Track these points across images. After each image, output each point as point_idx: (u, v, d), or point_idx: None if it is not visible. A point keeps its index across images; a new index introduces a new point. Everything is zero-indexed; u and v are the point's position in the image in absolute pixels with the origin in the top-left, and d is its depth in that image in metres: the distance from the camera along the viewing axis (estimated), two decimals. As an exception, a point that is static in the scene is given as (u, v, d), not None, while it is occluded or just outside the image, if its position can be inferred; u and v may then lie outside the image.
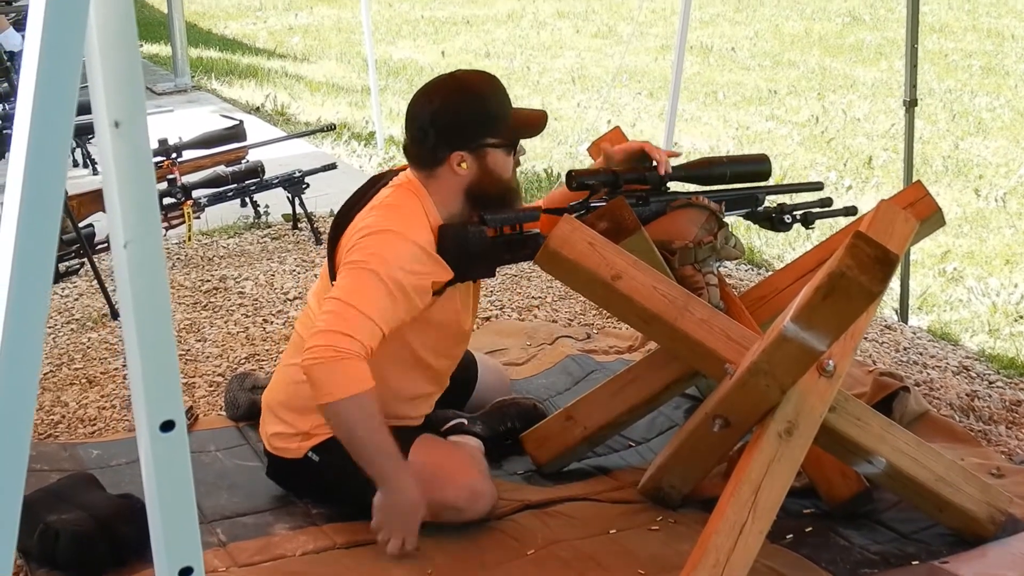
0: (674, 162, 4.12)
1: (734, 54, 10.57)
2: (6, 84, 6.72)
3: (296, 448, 3.84)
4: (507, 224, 3.79)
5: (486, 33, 12.26)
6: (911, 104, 5.33)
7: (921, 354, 5.00)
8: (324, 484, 3.89)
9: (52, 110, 1.41)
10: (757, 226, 4.27)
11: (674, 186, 4.06)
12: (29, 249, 1.40)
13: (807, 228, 4.25)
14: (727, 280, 4.28)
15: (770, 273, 4.91)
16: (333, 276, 3.75)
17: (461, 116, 3.75)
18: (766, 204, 4.19)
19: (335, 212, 4.02)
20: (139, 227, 1.49)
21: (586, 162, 4.59)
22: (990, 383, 4.75)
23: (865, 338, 4.90)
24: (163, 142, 6.35)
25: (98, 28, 1.46)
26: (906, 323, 5.31)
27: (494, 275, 3.89)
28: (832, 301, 3.30)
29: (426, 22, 12.96)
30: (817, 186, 4.35)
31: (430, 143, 3.76)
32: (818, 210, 4.23)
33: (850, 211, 4.36)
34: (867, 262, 3.23)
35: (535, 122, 3.88)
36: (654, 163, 3.99)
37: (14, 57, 7.65)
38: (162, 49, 9.97)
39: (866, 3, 12.76)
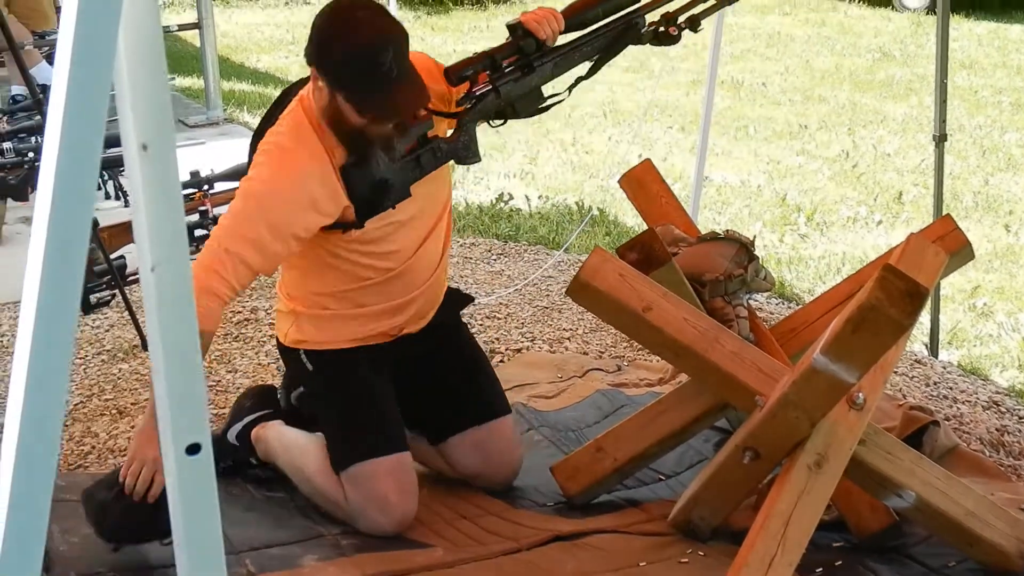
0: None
1: (765, 89, 10.56)
2: (38, 116, 6.75)
3: (287, 331, 3.98)
4: (405, 143, 3.64)
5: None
6: (941, 139, 5.31)
7: (951, 388, 4.97)
8: (315, 397, 4.00)
9: (80, 139, 1.41)
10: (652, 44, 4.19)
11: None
12: (57, 278, 1.40)
13: (695, 32, 4.13)
14: (757, 313, 4.27)
15: (800, 306, 4.88)
16: None
17: (323, 48, 3.57)
18: (647, 24, 4.10)
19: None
20: (167, 250, 1.48)
21: (619, 196, 4.57)
22: (1020, 418, 4.72)
23: (895, 372, 4.87)
24: (195, 174, 6.35)
25: (127, 54, 1.45)
26: (936, 357, 5.28)
27: (410, 194, 3.68)
28: (862, 334, 3.28)
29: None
30: None
31: (308, 48, 3.62)
32: (701, 8, 4.16)
33: (725, 1, 4.32)
34: (897, 295, 3.21)
35: (386, 108, 3.55)
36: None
37: (46, 90, 7.68)
38: (195, 82, 10.01)
39: (896, 39, 12.74)
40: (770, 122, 9.44)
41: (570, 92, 4.05)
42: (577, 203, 7.29)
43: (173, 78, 10.63)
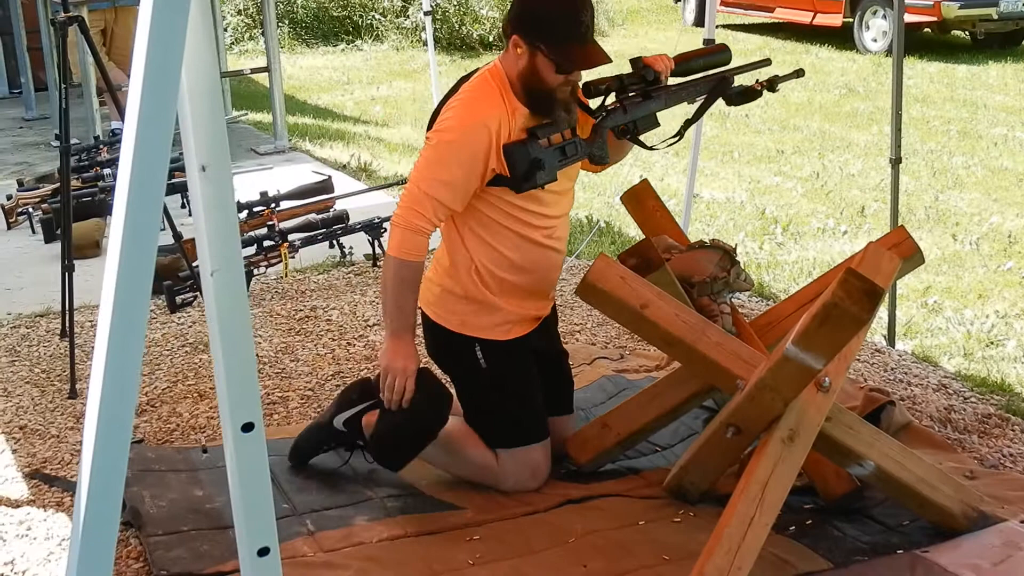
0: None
1: (747, 120, 10.55)
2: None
3: (458, 323, 3.98)
4: (553, 134, 3.80)
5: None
6: (897, 162, 5.30)
7: (906, 373, 4.96)
8: (475, 380, 4.03)
9: (149, 163, 1.41)
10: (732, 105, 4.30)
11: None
12: (131, 275, 1.41)
13: (772, 92, 4.23)
14: (739, 309, 4.26)
15: (776, 303, 4.87)
16: None
17: (528, 12, 3.76)
18: (736, 83, 4.20)
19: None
20: (224, 257, 1.49)
21: (622, 210, 4.58)
22: (965, 399, 4.70)
23: (857, 359, 4.86)
24: (264, 194, 6.38)
25: (188, 90, 1.46)
26: (893, 347, 5.27)
27: (556, 178, 3.82)
28: (827, 327, 3.28)
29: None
30: (766, 62, 4.37)
31: (506, 20, 3.86)
32: (777, 77, 4.25)
33: (799, 73, 4.44)
34: (857, 294, 3.21)
35: (582, 60, 3.74)
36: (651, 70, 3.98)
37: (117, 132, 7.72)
38: (264, 117, 10.03)
39: (859, 77, 12.72)
40: (752, 148, 9.43)
41: (681, 136, 4.21)
42: (587, 217, 7.29)
43: (246, 113, 10.66)
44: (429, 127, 3.95)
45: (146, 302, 1.50)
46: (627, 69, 4.06)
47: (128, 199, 1.40)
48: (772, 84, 4.20)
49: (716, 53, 4.16)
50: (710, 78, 4.15)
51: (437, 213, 3.76)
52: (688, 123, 4.22)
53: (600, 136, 3.95)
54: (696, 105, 4.28)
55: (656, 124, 4.07)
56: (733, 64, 4.18)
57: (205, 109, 1.47)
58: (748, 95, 4.19)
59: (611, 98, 3.97)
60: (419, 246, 3.77)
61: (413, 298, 3.86)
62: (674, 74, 4.05)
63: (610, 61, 3.75)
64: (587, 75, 3.86)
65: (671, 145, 4.17)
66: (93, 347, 4.43)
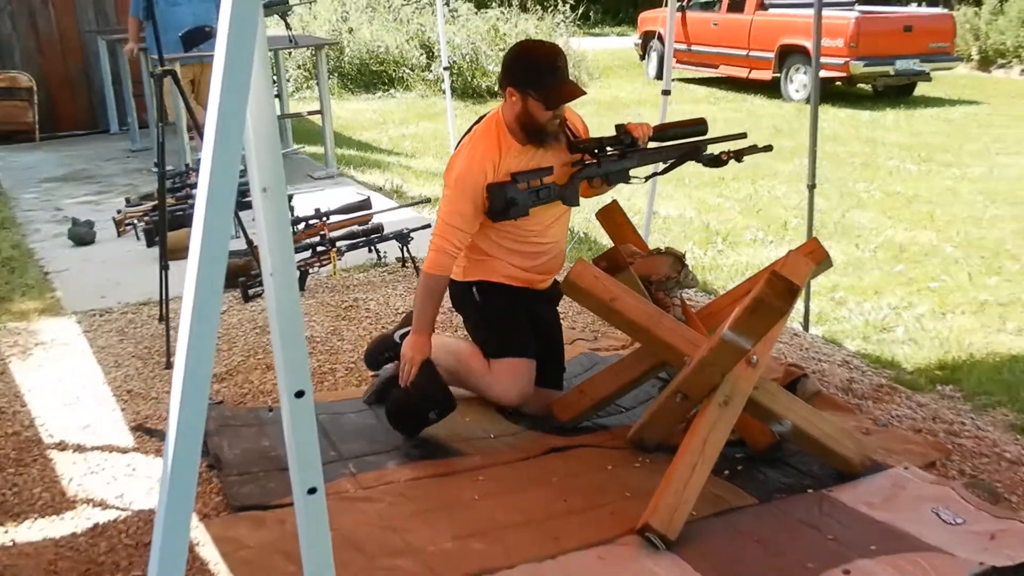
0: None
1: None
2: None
3: (460, 272, 4.17)
4: (532, 179, 3.91)
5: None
6: (812, 187, 5.32)
7: (817, 352, 4.99)
8: (475, 311, 4.25)
9: (221, 184, 1.43)
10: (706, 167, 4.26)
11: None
12: (207, 271, 1.43)
13: (739, 162, 4.21)
14: (687, 302, 4.29)
15: (716, 297, 4.89)
16: None
17: (516, 68, 3.89)
18: (707, 151, 4.20)
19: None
20: (280, 262, 1.51)
21: (596, 224, 4.60)
22: (863, 372, 4.73)
23: (779, 341, 4.89)
24: (317, 210, 6.40)
25: (252, 126, 1.48)
26: (807, 331, 5.30)
27: (527, 214, 3.94)
28: (756, 316, 3.32)
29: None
30: (742, 135, 4.28)
31: (502, 76, 3.96)
32: (742, 149, 4.19)
33: (767, 148, 4.37)
34: (780, 291, 3.25)
35: (566, 94, 3.84)
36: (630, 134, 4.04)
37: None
38: (318, 149, 10.04)
39: (785, 120, 12.73)
40: (699, 175, 9.44)
41: (646, 180, 4.29)
42: (569, 229, 7.29)
43: (304, 147, 10.67)
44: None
45: (218, 293, 1.52)
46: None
47: (205, 213, 1.42)
48: (739, 156, 4.17)
49: (693, 125, 4.13)
50: (684, 145, 4.15)
51: (458, 237, 3.94)
52: (655, 175, 4.29)
53: (573, 184, 4.02)
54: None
55: (627, 179, 4.10)
56: (709, 136, 4.15)
57: (265, 143, 1.49)
58: (716, 163, 4.17)
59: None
60: (445, 264, 3.97)
61: (435, 306, 4.02)
62: (653, 139, 4.08)
63: (584, 93, 3.93)
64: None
65: (635, 182, 4.20)
66: (179, 326, 4.45)
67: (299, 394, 1.61)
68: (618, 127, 4.04)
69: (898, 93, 14.73)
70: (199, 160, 6.19)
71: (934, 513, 3.38)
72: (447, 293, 4.16)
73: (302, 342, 1.61)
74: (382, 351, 4.36)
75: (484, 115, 4.16)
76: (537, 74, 3.82)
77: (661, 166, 4.25)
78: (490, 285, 4.16)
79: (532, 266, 4.17)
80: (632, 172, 4.11)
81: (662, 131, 4.10)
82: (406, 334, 4.17)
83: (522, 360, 4.13)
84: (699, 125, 4.13)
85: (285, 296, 1.53)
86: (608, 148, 4.03)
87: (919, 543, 3.21)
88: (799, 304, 5.15)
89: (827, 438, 3.65)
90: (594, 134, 4.15)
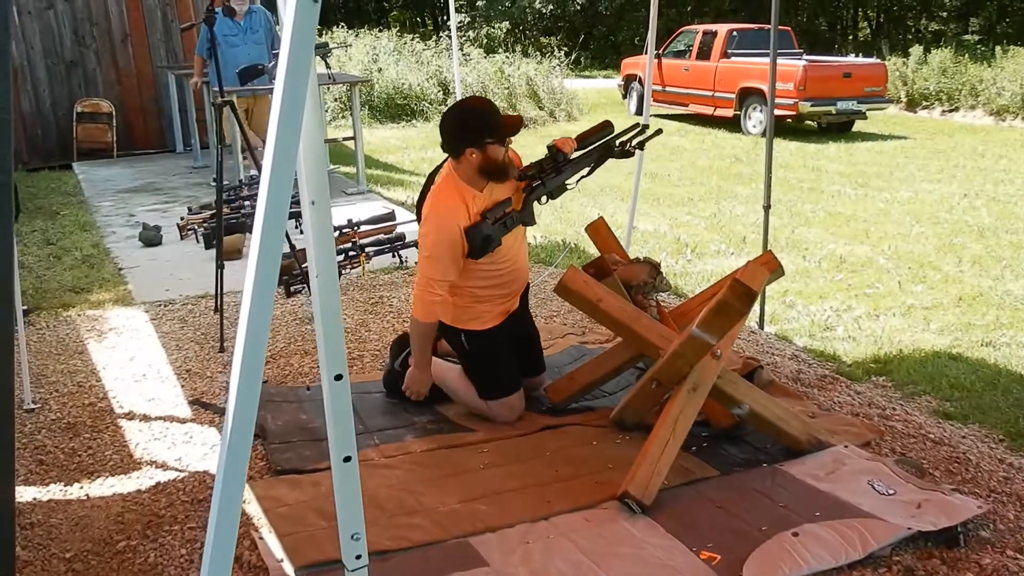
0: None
1: (669, 178, 10.53)
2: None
3: (451, 317, 3.98)
4: (498, 214, 3.79)
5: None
6: (767, 208, 5.29)
7: (771, 347, 4.95)
8: (466, 358, 4.04)
9: (277, 197, 1.41)
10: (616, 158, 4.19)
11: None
12: (263, 278, 1.41)
13: (640, 151, 4.24)
14: (662, 303, 4.25)
15: (685, 300, 4.85)
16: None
17: (469, 127, 3.72)
18: (617, 146, 4.14)
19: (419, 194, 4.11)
20: (325, 264, 1.49)
21: (585, 236, 4.56)
22: (809, 365, 4.69)
23: (739, 338, 4.86)
24: (350, 221, 6.37)
25: (304, 149, 1.45)
26: (763, 329, 5.26)
27: (500, 244, 3.83)
28: (720, 317, 3.29)
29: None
30: (637, 127, 4.22)
31: (453, 144, 3.75)
32: (642, 139, 4.19)
33: (658, 132, 4.33)
34: (740, 295, 3.22)
35: (515, 125, 3.75)
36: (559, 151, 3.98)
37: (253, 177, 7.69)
38: (351, 170, 10.01)
39: (744, 151, 12.71)
40: (672, 196, 9.42)
41: (577, 183, 4.13)
42: (562, 240, 7.27)
43: (339, 167, 10.64)
44: (417, 210, 4.01)
45: (272, 289, 1.50)
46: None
47: (263, 220, 1.40)
48: (640, 145, 4.19)
49: (603, 129, 4.06)
50: (600, 146, 4.07)
51: (442, 286, 3.81)
52: (583, 176, 4.10)
53: (528, 207, 3.95)
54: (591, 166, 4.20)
55: (567, 189, 4.05)
56: (615, 133, 4.10)
57: (313, 163, 1.47)
58: (625, 155, 4.15)
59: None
60: (433, 312, 3.85)
61: (430, 345, 3.96)
62: (581, 148, 4.04)
63: (522, 119, 3.87)
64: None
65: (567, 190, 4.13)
66: (237, 319, 4.43)
67: (338, 377, 1.60)
68: (549, 147, 3.98)
69: (839, 129, 14.70)
70: (251, 176, 6.21)
71: (870, 485, 3.34)
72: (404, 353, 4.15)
73: (341, 333, 1.58)
74: (396, 382, 4.20)
75: (433, 176, 4.00)
76: (486, 122, 3.70)
77: (587, 170, 4.13)
78: (478, 334, 3.99)
79: (508, 292, 4.01)
80: (567, 182, 4.05)
81: (583, 139, 4.03)
82: (404, 362, 4.13)
83: (511, 397, 3.97)
84: (607, 128, 4.07)
85: (328, 293, 1.51)
86: (547, 168, 3.96)
87: (857, 510, 3.17)
88: (756, 306, 5.10)
89: (779, 420, 3.61)
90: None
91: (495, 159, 3.72)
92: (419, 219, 3.95)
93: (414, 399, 4.07)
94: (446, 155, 3.85)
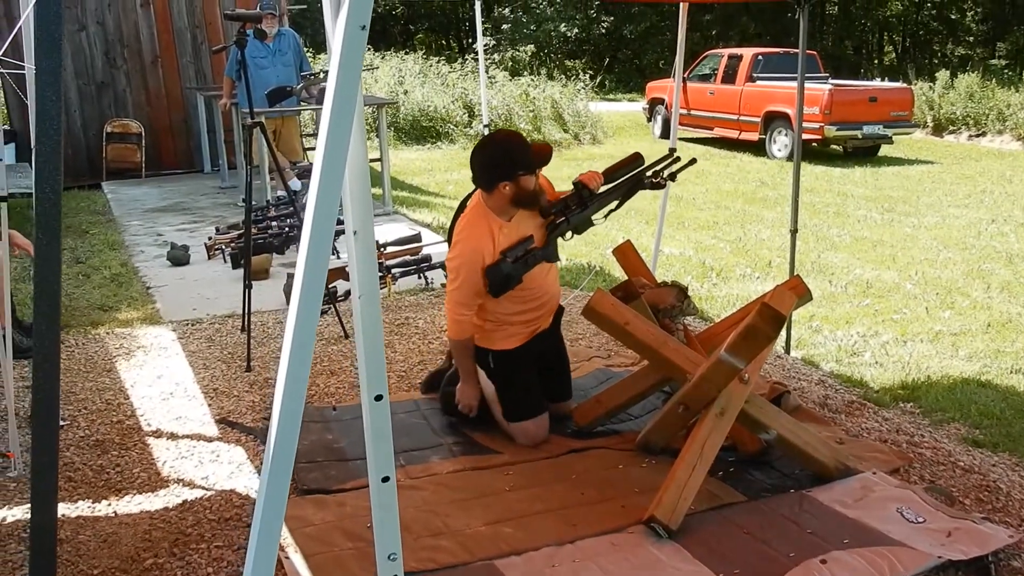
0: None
1: (695, 201, 10.52)
2: (291, 208, 6.81)
3: (479, 338, 3.99)
4: (519, 253, 3.83)
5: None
6: (794, 232, 5.28)
7: (798, 372, 4.92)
8: (493, 377, 4.02)
9: (322, 222, 1.42)
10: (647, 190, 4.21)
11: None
12: (308, 296, 1.42)
13: (673, 182, 4.26)
14: (688, 327, 4.24)
15: (712, 324, 4.84)
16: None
17: (501, 163, 3.79)
18: (647, 178, 4.15)
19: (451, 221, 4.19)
20: (367, 287, 1.50)
21: (612, 259, 4.56)
22: (836, 390, 4.67)
23: (766, 363, 4.83)
24: (376, 242, 6.39)
25: (349, 176, 1.47)
26: (789, 354, 5.23)
27: (522, 281, 3.85)
28: (748, 341, 3.28)
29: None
30: (671, 157, 4.24)
31: (486, 179, 3.82)
32: (674, 169, 4.20)
33: (692, 162, 4.37)
34: (768, 319, 3.21)
35: (545, 155, 3.84)
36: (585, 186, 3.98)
37: (296, 193, 7.75)
38: (376, 191, 10.05)
39: (770, 174, 12.68)
40: (697, 220, 9.41)
41: (606, 217, 4.15)
42: (588, 263, 7.28)
43: (365, 188, 10.68)
44: (449, 234, 4.08)
45: (317, 308, 1.51)
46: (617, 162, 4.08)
47: (309, 243, 1.41)
48: (672, 176, 4.20)
49: (633, 161, 4.08)
50: (629, 180, 4.08)
51: (471, 308, 3.85)
52: (612, 211, 4.13)
53: (551, 244, 3.97)
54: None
55: (591, 224, 4.05)
56: (646, 165, 4.12)
57: (359, 190, 1.49)
58: (656, 186, 4.16)
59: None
60: (464, 330, 3.90)
61: (471, 359, 4.00)
62: (609, 181, 4.05)
63: (551, 147, 3.94)
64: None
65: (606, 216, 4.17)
66: (263, 338, 4.44)
67: (378, 397, 1.61)
68: (575, 183, 3.99)
69: (865, 153, 14.66)
70: (278, 197, 6.23)
71: (899, 512, 3.31)
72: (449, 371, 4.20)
73: (382, 354, 1.59)
74: (450, 402, 4.22)
75: (465, 202, 4.06)
76: (518, 157, 3.78)
77: (615, 204, 4.14)
78: (504, 354, 4.00)
79: (536, 316, 4.04)
80: (593, 217, 4.06)
81: (611, 172, 4.05)
82: (450, 390, 4.17)
83: (534, 421, 3.97)
84: (636, 160, 4.08)
85: (370, 314, 1.53)
86: (572, 204, 3.96)
87: (886, 538, 3.15)
88: (783, 332, 5.08)
89: (806, 446, 3.59)
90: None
91: (527, 189, 3.80)
92: (450, 243, 4.00)
93: (467, 413, 4.09)
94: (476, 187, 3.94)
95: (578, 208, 3.96)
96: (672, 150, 4.27)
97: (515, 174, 3.75)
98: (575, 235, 4.03)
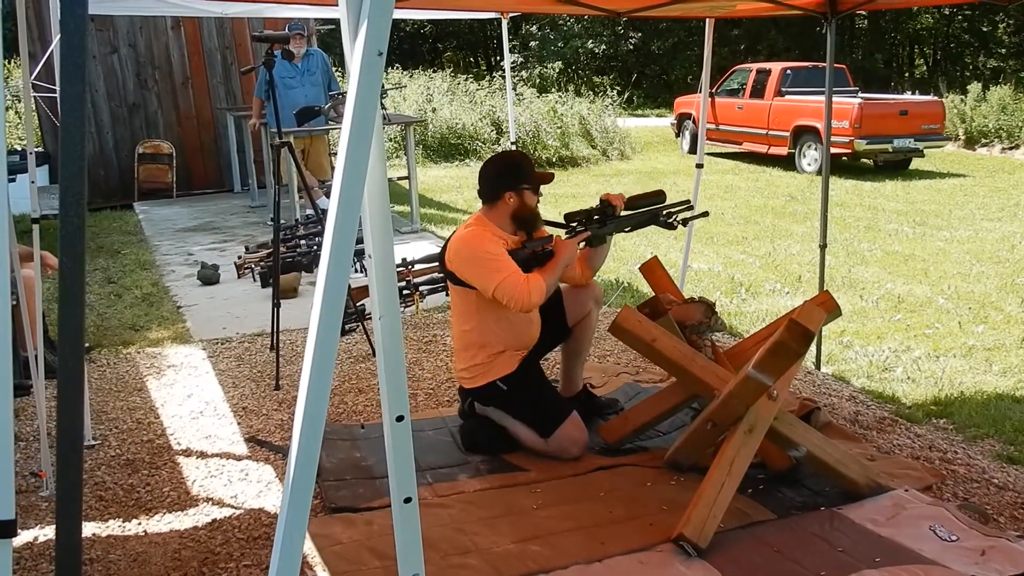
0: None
1: (723, 216, 10.48)
2: (320, 226, 6.85)
3: (483, 379, 3.99)
4: (537, 247, 3.92)
5: (576, 203, 12.27)
6: (823, 246, 5.25)
7: (828, 388, 4.89)
8: (511, 403, 4.01)
9: (342, 240, 1.43)
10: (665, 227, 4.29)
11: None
12: (330, 311, 1.43)
13: (684, 226, 4.36)
14: (716, 343, 4.22)
15: (740, 339, 4.82)
16: (449, 277, 4.00)
17: (507, 173, 3.94)
18: (663, 217, 4.25)
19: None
20: (387, 308, 1.51)
21: (639, 275, 4.57)
22: (867, 406, 4.62)
23: (796, 379, 4.80)
24: (404, 259, 6.41)
25: (368, 194, 1.47)
26: (819, 370, 5.19)
27: (531, 271, 3.90)
28: (776, 357, 3.26)
29: (546, 201, 12.99)
30: (687, 203, 4.36)
31: (492, 187, 3.94)
32: (687, 216, 4.37)
33: (704, 214, 4.64)
34: (797, 336, 3.19)
35: (548, 178, 4.06)
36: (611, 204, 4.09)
37: (325, 212, 7.80)
38: (405, 208, 10.09)
39: (799, 189, 12.62)
40: (725, 235, 9.37)
41: (610, 236, 4.20)
42: (616, 279, 7.26)
43: (393, 206, 10.74)
44: (442, 251, 4.04)
45: (337, 326, 1.52)
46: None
47: (329, 261, 1.42)
48: (685, 222, 4.39)
49: (654, 196, 4.23)
50: (648, 212, 4.21)
51: (518, 275, 3.79)
52: (628, 230, 4.25)
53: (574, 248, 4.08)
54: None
55: (604, 241, 4.15)
56: (665, 204, 4.24)
57: (378, 209, 1.49)
58: (669, 226, 4.27)
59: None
60: (538, 288, 3.78)
61: (559, 271, 3.92)
62: (629, 208, 4.16)
63: (553, 174, 4.23)
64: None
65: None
66: (292, 357, 4.46)
67: (399, 418, 1.62)
68: (602, 199, 4.11)
69: (896, 167, 14.55)
70: (307, 215, 6.28)
71: (931, 530, 3.27)
72: (467, 401, 4.12)
73: (403, 374, 1.60)
74: (470, 438, 4.20)
75: (468, 225, 4.06)
76: (524, 170, 3.96)
77: (628, 228, 4.26)
78: (509, 376, 4.00)
79: (520, 344, 4.03)
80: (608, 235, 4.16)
81: (634, 201, 4.18)
82: (468, 426, 4.14)
83: (569, 422, 3.97)
84: (659, 195, 4.23)
85: (390, 335, 1.53)
86: (592, 217, 4.08)
87: (918, 556, 3.11)
88: (812, 346, 5.04)
89: (837, 463, 3.56)
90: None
91: (529, 206, 3.93)
92: (448, 276, 4.03)
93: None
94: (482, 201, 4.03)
95: (598, 223, 4.09)
96: (686, 201, 4.36)
97: (520, 186, 3.90)
98: (588, 246, 4.14)
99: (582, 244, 4.08)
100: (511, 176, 3.93)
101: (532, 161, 4.07)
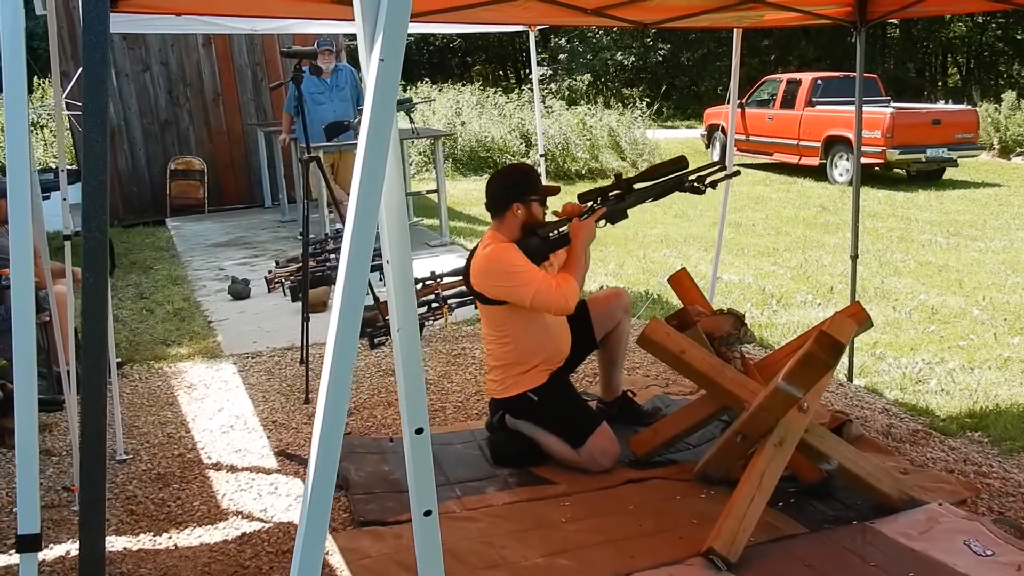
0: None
1: (754, 227, 10.43)
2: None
3: (515, 389, 4.01)
4: (551, 231, 3.98)
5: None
6: (855, 257, 5.21)
7: (860, 401, 4.84)
8: (542, 414, 4.01)
9: (359, 252, 1.43)
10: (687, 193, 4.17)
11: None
12: (347, 321, 1.43)
13: (714, 189, 4.17)
14: (746, 355, 4.20)
15: (771, 352, 4.78)
16: (477, 297, 4.03)
17: (515, 184, 3.97)
18: (688, 182, 4.12)
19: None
20: (406, 320, 1.51)
21: (667, 287, 4.55)
22: (901, 419, 4.58)
23: (827, 391, 4.76)
24: (433, 273, 6.43)
25: (385, 204, 1.48)
26: (851, 382, 5.15)
27: (548, 260, 3.98)
28: (807, 369, 3.24)
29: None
30: (715, 164, 4.21)
31: (500, 198, 3.97)
32: (716, 178, 4.17)
33: (736, 173, 4.54)
34: (827, 347, 3.17)
35: (554, 190, 4.07)
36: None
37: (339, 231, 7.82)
38: (434, 222, 10.11)
39: (831, 200, 12.54)
40: (756, 246, 9.32)
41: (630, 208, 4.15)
42: (645, 290, 7.24)
43: (422, 219, 10.78)
44: (465, 273, 4.09)
45: (355, 340, 1.52)
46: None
47: (346, 273, 1.43)
48: (714, 184, 4.16)
49: (675, 163, 4.09)
50: (669, 180, 4.10)
51: (549, 278, 3.85)
52: (652, 200, 4.14)
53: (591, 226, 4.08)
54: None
55: (625, 216, 4.09)
56: (690, 168, 4.11)
57: (395, 220, 1.50)
58: (696, 191, 4.13)
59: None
60: (571, 289, 3.84)
61: (585, 266, 4.01)
62: (647, 179, 4.09)
63: (559, 188, 4.20)
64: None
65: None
66: (322, 371, 4.47)
67: (419, 431, 1.61)
68: (617, 175, 4.10)
69: (929, 177, 14.43)
70: (337, 230, 6.32)
71: (966, 545, 3.23)
72: (498, 414, 4.13)
73: (422, 387, 1.60)
74: (499, 451, 4.20)
75: (486, 245, 4.07)
76: (531, 181, 4.00)
77: (651, 201, 4.17)
78: (539, 388, 4.01)
79: (550, 356, 4.05)
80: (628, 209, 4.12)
81: (654, 171, 4.11)
82: (501, 420, 4.13)
83: (601, 433, 3.97)
84: (680, 162, 4.10)
85: (409, 348, 1.53)
86: (610, 194, 4.06)
87: (953, 571, 3.07)
88: (844, 358, 5.00)
89: (869, 476, 3.52)
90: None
91: (537, 216, 3.97)
92: (475, 295, 4.05)
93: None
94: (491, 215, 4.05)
95: (616, 199, 4.06)
96: (717, 162, 4.26)
97: (528, 197, 3.93)
98: (608, 223, 4.08)
99: (601, 222, 4.03)
100: (517, 187, 3.96)
101: (538, 174, 4.10)
